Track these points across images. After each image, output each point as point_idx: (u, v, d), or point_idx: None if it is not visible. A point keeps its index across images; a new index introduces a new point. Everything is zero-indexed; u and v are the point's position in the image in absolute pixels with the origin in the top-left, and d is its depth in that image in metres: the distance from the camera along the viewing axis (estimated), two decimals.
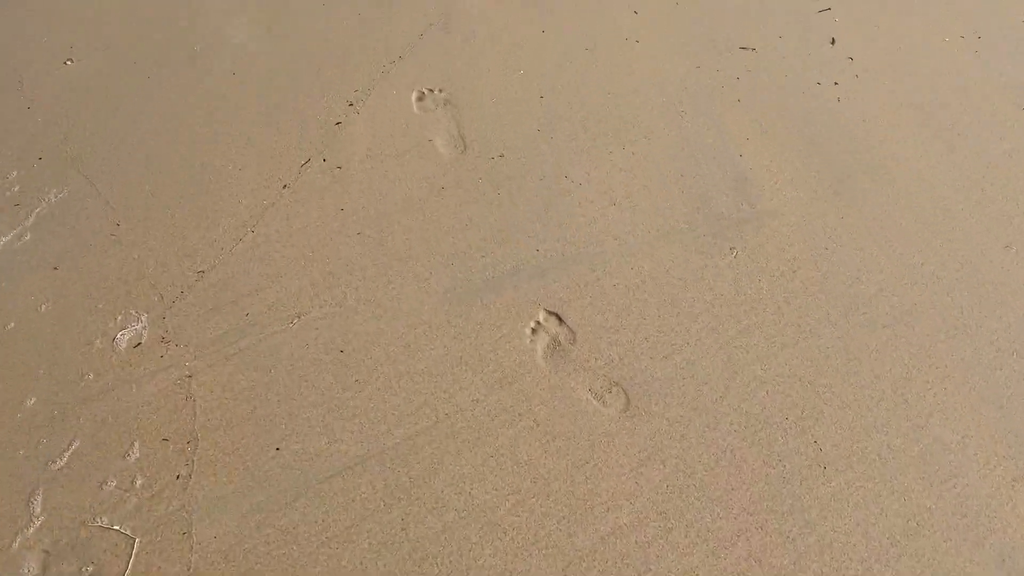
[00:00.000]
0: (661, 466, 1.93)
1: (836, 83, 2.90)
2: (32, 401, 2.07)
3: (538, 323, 2.21)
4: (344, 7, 3.29)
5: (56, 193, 2.59)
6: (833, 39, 3.08)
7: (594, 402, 2.04)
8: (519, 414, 2.02)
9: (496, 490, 1.90)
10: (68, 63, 3.06)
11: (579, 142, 2.72)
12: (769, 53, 3.04)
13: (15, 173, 2.65)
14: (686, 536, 1.82)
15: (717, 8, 3.27)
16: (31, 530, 1.85)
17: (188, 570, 1.78)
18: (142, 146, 2.73)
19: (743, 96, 2.88)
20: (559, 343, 2.17)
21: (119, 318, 2.25)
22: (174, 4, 3.31)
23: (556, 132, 2.75)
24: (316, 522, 1.85)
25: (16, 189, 2.60)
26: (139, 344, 2.19)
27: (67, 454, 1.97)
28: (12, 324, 2.24)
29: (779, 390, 2.06)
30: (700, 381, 2.08)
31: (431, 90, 2.94)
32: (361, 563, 1.80)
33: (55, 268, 2.38)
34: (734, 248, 2.38)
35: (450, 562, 1.79)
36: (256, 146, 2.72)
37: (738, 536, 1.82)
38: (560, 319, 2.22)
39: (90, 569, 1.79)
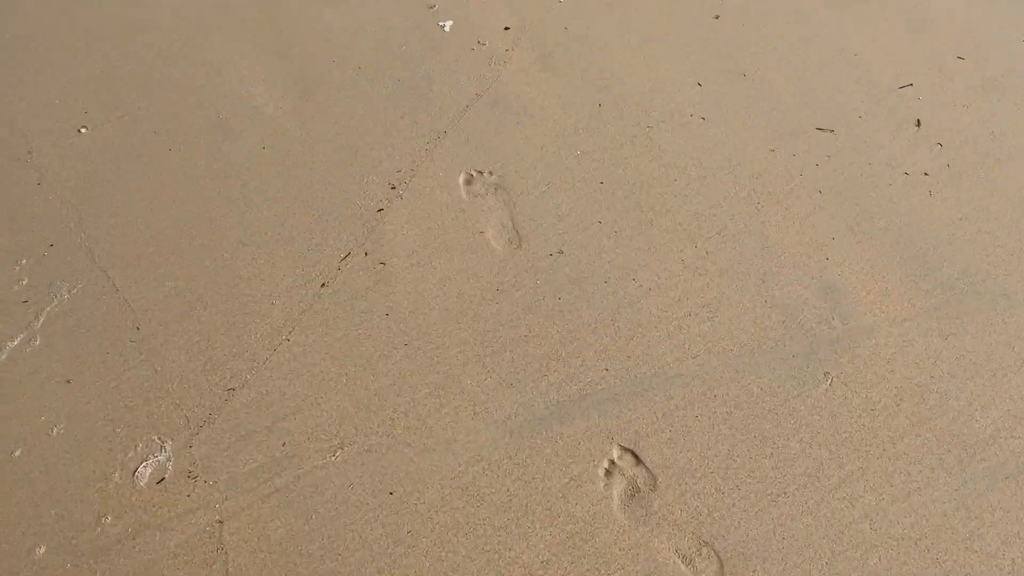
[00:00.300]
0: None
1: (926, 173, 2.71)
2: (41, 550, 1.87)
3: (612, 462, 2.01)
4: (382, 74, 3.11)
5: (69, 288, 2.39)
6: (919, 120, 2.89)
7: (683, 567, 1.83)
8: None
9: None
10: (82, 131, 2.88)
11: (646, 237, 2.53)
12: (849, 136, 2.85)
13: (24, 262, 2.45)
14: None
15: (787, 81, 3.08)
16: None
17: None
18: (163, 232, 2.53)
19: (824, 186, 2.68)
20: (638, 489, 1.96)
21: (140, 446, 2.04)
22: (196, 67, 3.13)
23: (619, 225, 2.56)
24: None
25: (24, 282, 2.40)
26: (163, 479, 1.98)
27: None
28: (19, 451, 2.04)
29: (892, 556, 1.85)
30: (802, 543, 1.86)
31: (480, 172, 2.75)
32: None
33: (68, 381, 2.18)
34: (828, 374, 2.18)
35: None
36: (290, 235, 2.53)
37: None
38: (637, 458, 2.02)
39: None
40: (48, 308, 2.35)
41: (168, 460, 2.03)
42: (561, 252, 2.50)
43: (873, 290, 2.40)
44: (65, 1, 3.40)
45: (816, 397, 2.15)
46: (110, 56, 3.16)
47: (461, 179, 2.74)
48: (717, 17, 3.38)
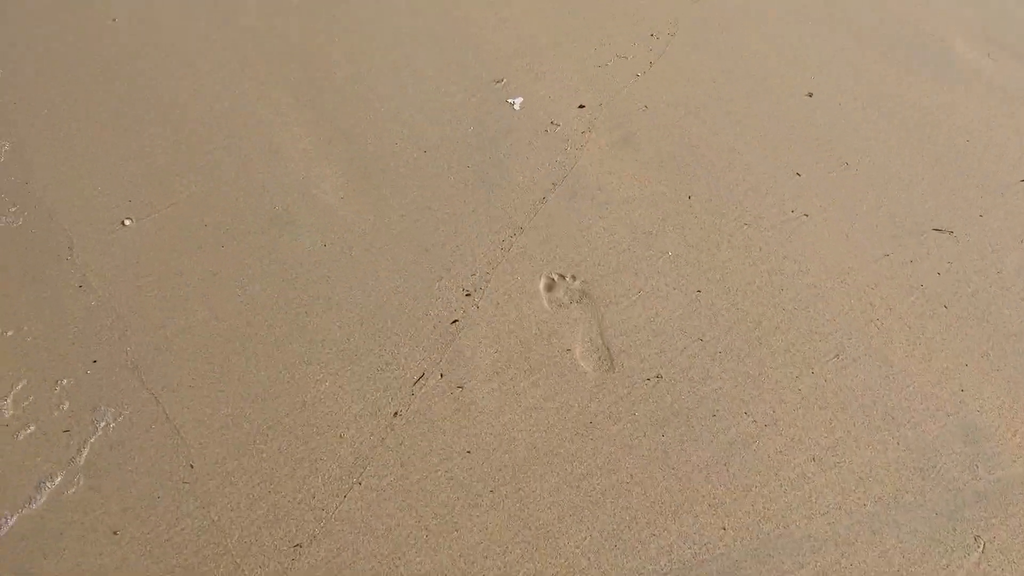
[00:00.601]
0: None
1: None
2: None
3: None
4: (449, 159, 2.93)
5: (114, 414, 2.19)
6: None
7: None
8: None
9: None
10: (126, 223, 2.70)
11: (755, 360, 2.30)
12: (971, 239, 2.62)
13: (64, 382, 2.26)
14: None
15: (894, 171, 2.87)
16: None
17: None
18: (216, 347, 2.34)
19: (949, 300, 2.44)
20: None
21: None
22: (249, 150, 2.95)
23: (723, 343, 2.33)
24: None
25: (65, 407, 2.21)
26: None
27: None
28: None
29: None
30: None
31: (562, 276, 2.54)
32: None
33: (115, 533, 1.97)
34: (979, 539, 1.93)
35: None
36: (357, 351, 2.33)
37: None
38: None
39: None
40: (92, 439, 2.15)
41: None
42: (659, 376, 2.28)
43: (1020, 431, 2.15)
44: (106, 79, 3.25)
45: (968, 568, 1.90)
46: (155, 139, 3.00)
47: (542, 284, 2.54)
48: (810, 95, 3.17)
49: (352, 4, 3.63)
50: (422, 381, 2.29)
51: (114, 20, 3.55)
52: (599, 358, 2.35)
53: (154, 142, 3.00)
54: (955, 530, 1.98)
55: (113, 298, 2.50)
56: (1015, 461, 2.11)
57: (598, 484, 2.08)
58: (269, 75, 3.29)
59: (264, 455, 2.14)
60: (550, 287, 2.55)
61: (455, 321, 2.44)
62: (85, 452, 2.14)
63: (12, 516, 2.03)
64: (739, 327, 2.41)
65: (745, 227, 2.70)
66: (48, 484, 2.08)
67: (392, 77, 3.29)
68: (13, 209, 2.76)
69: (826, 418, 2.20)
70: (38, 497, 2.05)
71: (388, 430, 2.18)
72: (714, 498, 2.05)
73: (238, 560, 1.94)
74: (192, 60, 3.36)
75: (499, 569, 1.93)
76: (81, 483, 2.08)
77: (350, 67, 3.33)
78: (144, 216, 2.74)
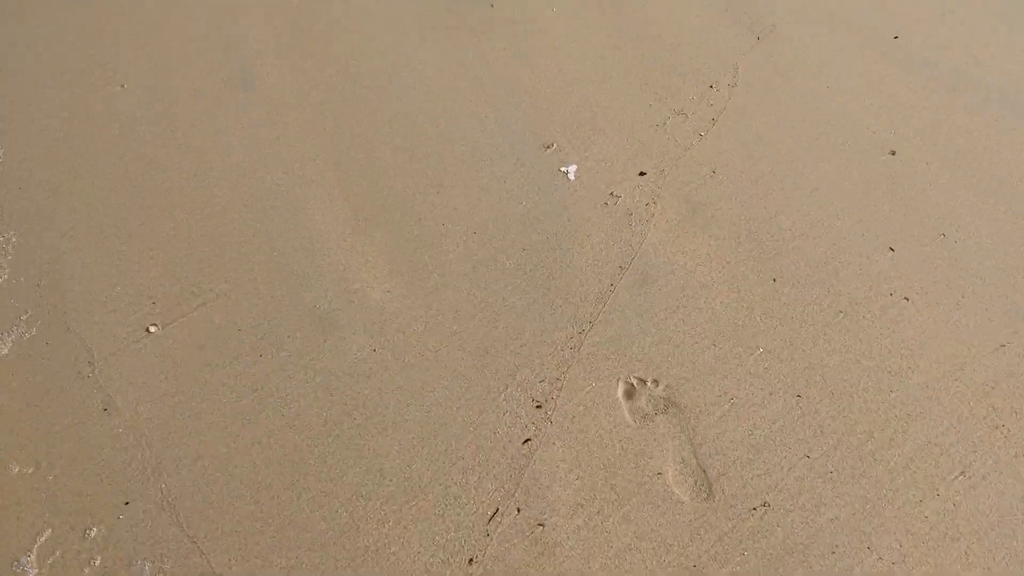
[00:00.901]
0: None
1: None
2: None
3: None
4: (502, 242, 2.72)
5: (153, 570, 1.97)
6: None
7: None
8: None
9: None
10: (151, 329, 2.47)
11: (871, 480, 2.08)
12: None
13: (94, 531, 2.05)
14: None
15: (997, 243, 2.65)
16: None
17: None
18: (262, 481, 2.12)
19: None
20: None
21: None
22: (284, 239, 2.73)
23: (833, 460, 2.12)
24: None
25: (98, 563, 1.99)
26: None
27: None
28: None
29: None
30: None
31: (643, 381, 2.31)
32: None
33: None
34: None
35: None
36: (420, 482, 2.13)
37: None
38: None
39: None
40: None
41: None
42: (766, 505, 2.05)
43: None
44: (117, 158, 3.03)
45: None
46: (177, 227, 2.79)
47: (620, 391, 2.31)
48: (893, 153, 2.95)
49: (385, 66, 3.42)
50: (497, 518, 2.06)
51: (123, 86, 3.34)
52: (695, 483, 2.13)
53: (176, 231, 2.78)
54: None
55: (142, 423, 2.27)
56: None
57: None
58: (300, 147, 3.07)
59: None
60: (630, 394, 2.32)
61: (527, 440, 2.22)
62: None
63: None
64: (848, 440, 2.19)
65: (841, 315, 2.47)
66: None
67: (434, 145, 3.07)
68: (25, 317, 2.54)
69: (961, 552, 1.97)
70: None
71: None
72: None
73: None
74: (213, 131, 3.14)
75: None
76: None
77: (389, 136, 3.11)
78: (170, 321, 2.52)
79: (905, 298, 2.52)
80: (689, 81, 3.30)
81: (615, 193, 2.87)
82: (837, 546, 2.00)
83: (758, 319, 2.48)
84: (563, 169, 2.96)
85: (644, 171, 2.94)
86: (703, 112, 3.16)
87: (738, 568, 1.97)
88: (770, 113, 3.14)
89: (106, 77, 3.37)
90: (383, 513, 2.09)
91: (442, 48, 3.49)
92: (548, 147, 3.04)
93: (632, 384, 2.35)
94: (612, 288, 2.58)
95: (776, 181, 2.89)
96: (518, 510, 2.09)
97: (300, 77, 3.37)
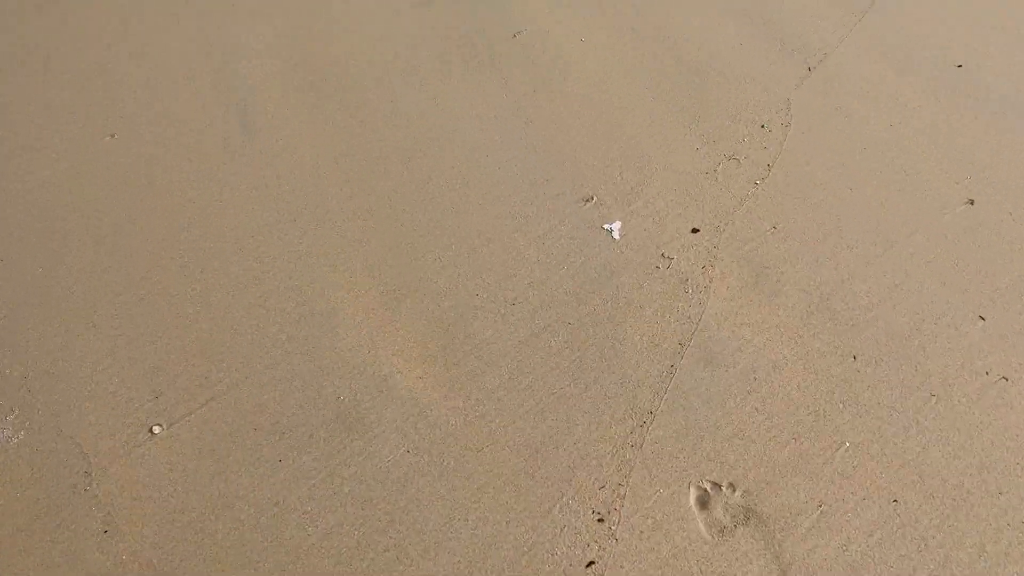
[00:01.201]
0: None
1: None
2: None
3: None
4: (543, 316, 2.52)
5: None
6: None
7: None
8: None
9: None
10: (154, 431, 2.22)
11: None
12: None
13: None
14: None
15: None
16: None
17: None
18: None
19: None
20: None
21: None
22: (300, 319, 2.49)
23: None
24: None
25: None
26: None
27: None
28: None
29: None
30: None
31: (717, 485, 2.08)
32: None
33: None
34: None
35: None
36: None
37: None
38: None
39: None
40: None
41: None
42: None
43: None
44: (109, 222, 2.76)
45: None
46: (180, 306, 2.55)
47: (692, 498, 2.07)
48: (971, 202, 2.71)
49: (402, 109, 3.15)
50: None
51: (113, 136, 3.07)
52: None
53: (178, 311, 2.52)
54: None
55: (148, 548, 2.03)
56: None
57: None
58: (310, 203, 2.81)
59: None
60: (704, 502, 2.08)
61: (591, 564, 1.98)
62: None
63: None
64: (957, 556, 1.95)
65: (933, 400, 2.23)
66: None
67: (460, 200, 2.83)
68: (11, 417, 2.28)
69: None
70: None
71: None
72: None
73: None
74: (214, 185, 2.87)
75: None
76: None
77: (408, 189, 2.86)
78: (177, 419, 2.27)
79: (1004, 378, 2.28)
80: (738, 120, 3.05)
81: (666, 254, 2.62)
82: None
83: (840, 406, 2.24)
84: (606, 227, 2.71)
85: (697, 227, 2.69)
86: (757, 156, 2.91)
87: None
88: (830, 156, 2.90)
89: (94, 126, 3.10)
90: None
91: (465, 86, 3.23)
92: (588, 200, 2.79)
93: (705, 490, 2.11)
94: (673, 370, 2.34)
95: (845, 238, 2.65)
96: None
97: (305, 121, 3.11)
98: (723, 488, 2.12)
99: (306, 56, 3.36)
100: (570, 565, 1.99)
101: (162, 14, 3.68)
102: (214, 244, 2.71)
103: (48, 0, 3.47)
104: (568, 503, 2.09)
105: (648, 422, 2.24)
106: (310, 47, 3.37)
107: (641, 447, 2.19)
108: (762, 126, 3.03)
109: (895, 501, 2.06)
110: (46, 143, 3.04)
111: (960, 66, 3.25)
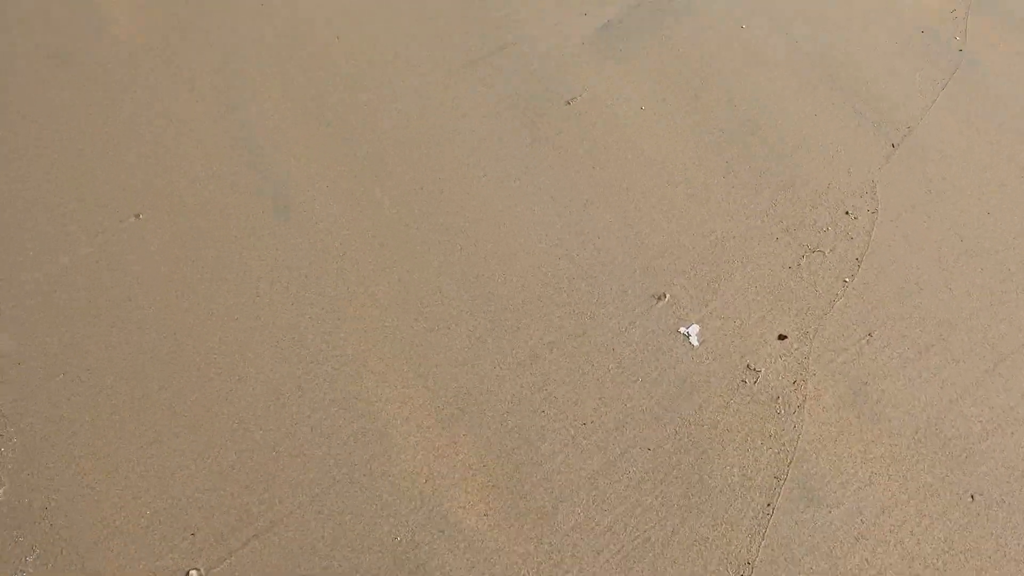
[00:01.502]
0: None
1: None
2: None
3: None
4: (620, 442, 2.34)
5: None
6: None
7: None
8: None
9: None
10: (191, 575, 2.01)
11: None
12: None
13: None
14: None
15: None
16: None
17: None
18: None
19: None
20: None
21: None
22: (348, 444, 2.29)
23: None
24: None
25: None
26: None
27: None
28: None
29: None
30: None
31: None
32: None
33: None
34: None
35: None
36: None
37: None
38: None
39: None
40: None
41: None
42: None
43: None
44: (144, 329, 2.55)
45: None
46: (221, 433, 2.35)
47: None
48: None
49: (452, 193, 2.94)
50: None
51: (138, 216, 2.87)
52: None
53: (215, 435, 2.32)
54: None
55: None
56: None
57: None
58: (356, 302, 2.61)
59: None
60: None
61: None
62: None
63: None
64: None
65: None
66: None
67: (517, 297, 2.62)
68: (32, 558, 2.07)
69: None
70: None
71: None
72: None
73: None
74: (247, 276, 2.67)
75: None
76: None
77: (461, 287, 2.65)
78: (216, 562, 2.06)
79: None
80: (819, 205, 2.84)
81: (752, 366, 2.41)
82: None
83: (962, 558, 2.02)
84: (683, 330, 2.49)
85: (784, 333, 2.47)
86: (843, 249, 2.70)
87: None
88: (926, 249, 2.68)
89: (118, 206, 2.90)
90: None
91: (517, 161, 3.01)
92: (660, 298, 2.57)
93: None
94: (769, 510, 2.12)
95: (950, 349, 2.43)
96: None
97: (347, 204, 2.91)
98: None
99: (349, 137, 3.15)
100: None
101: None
102: (250, 352, 2.50)
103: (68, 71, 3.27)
104: None
105: (744, 572, 2.02)
106: (353, 128, 3.16)
107: None
108: (846, 212, 2.81)
109: None
110: (66, 225, 2.84)
111: None
